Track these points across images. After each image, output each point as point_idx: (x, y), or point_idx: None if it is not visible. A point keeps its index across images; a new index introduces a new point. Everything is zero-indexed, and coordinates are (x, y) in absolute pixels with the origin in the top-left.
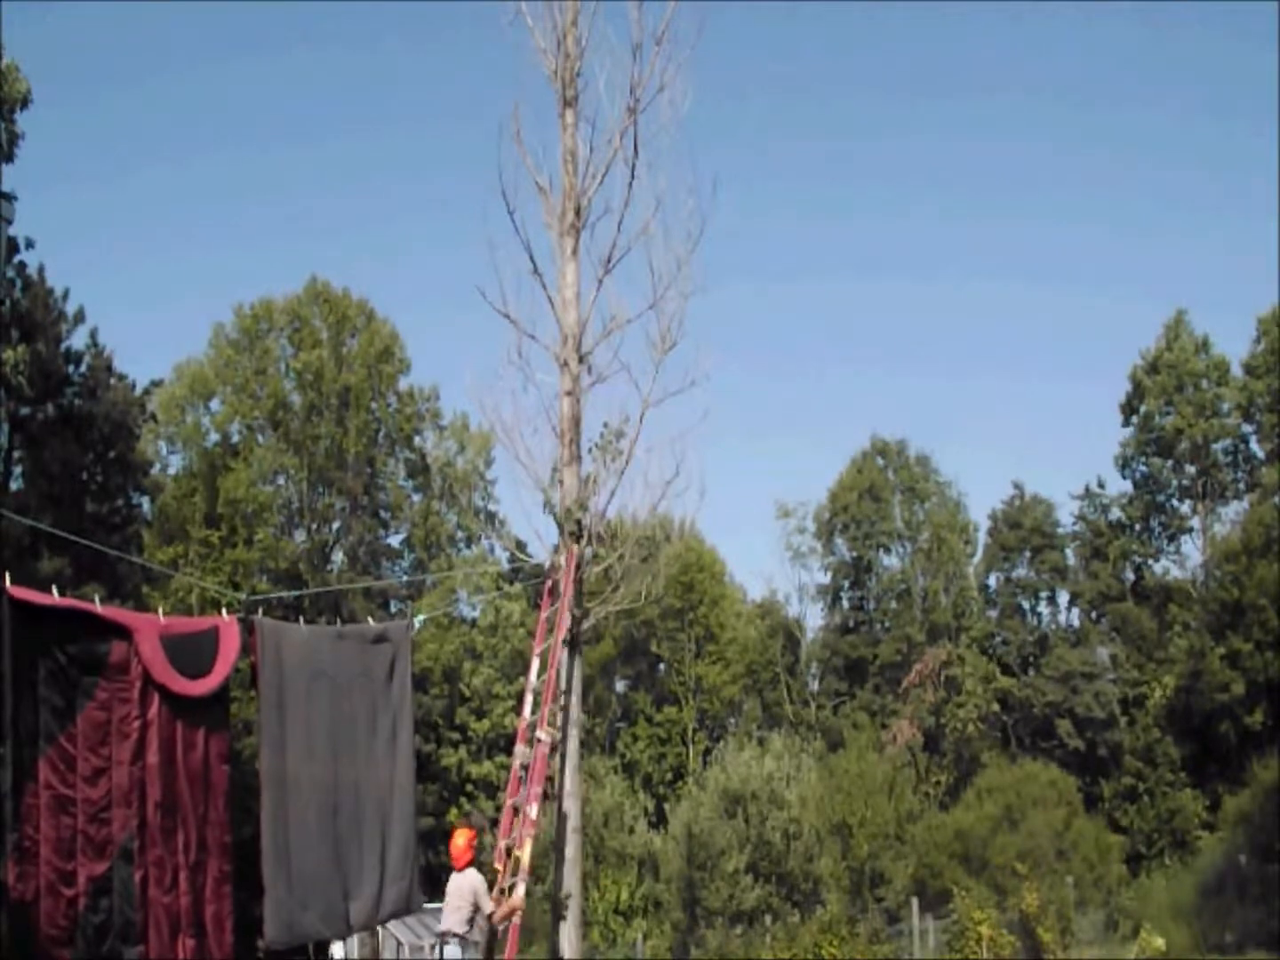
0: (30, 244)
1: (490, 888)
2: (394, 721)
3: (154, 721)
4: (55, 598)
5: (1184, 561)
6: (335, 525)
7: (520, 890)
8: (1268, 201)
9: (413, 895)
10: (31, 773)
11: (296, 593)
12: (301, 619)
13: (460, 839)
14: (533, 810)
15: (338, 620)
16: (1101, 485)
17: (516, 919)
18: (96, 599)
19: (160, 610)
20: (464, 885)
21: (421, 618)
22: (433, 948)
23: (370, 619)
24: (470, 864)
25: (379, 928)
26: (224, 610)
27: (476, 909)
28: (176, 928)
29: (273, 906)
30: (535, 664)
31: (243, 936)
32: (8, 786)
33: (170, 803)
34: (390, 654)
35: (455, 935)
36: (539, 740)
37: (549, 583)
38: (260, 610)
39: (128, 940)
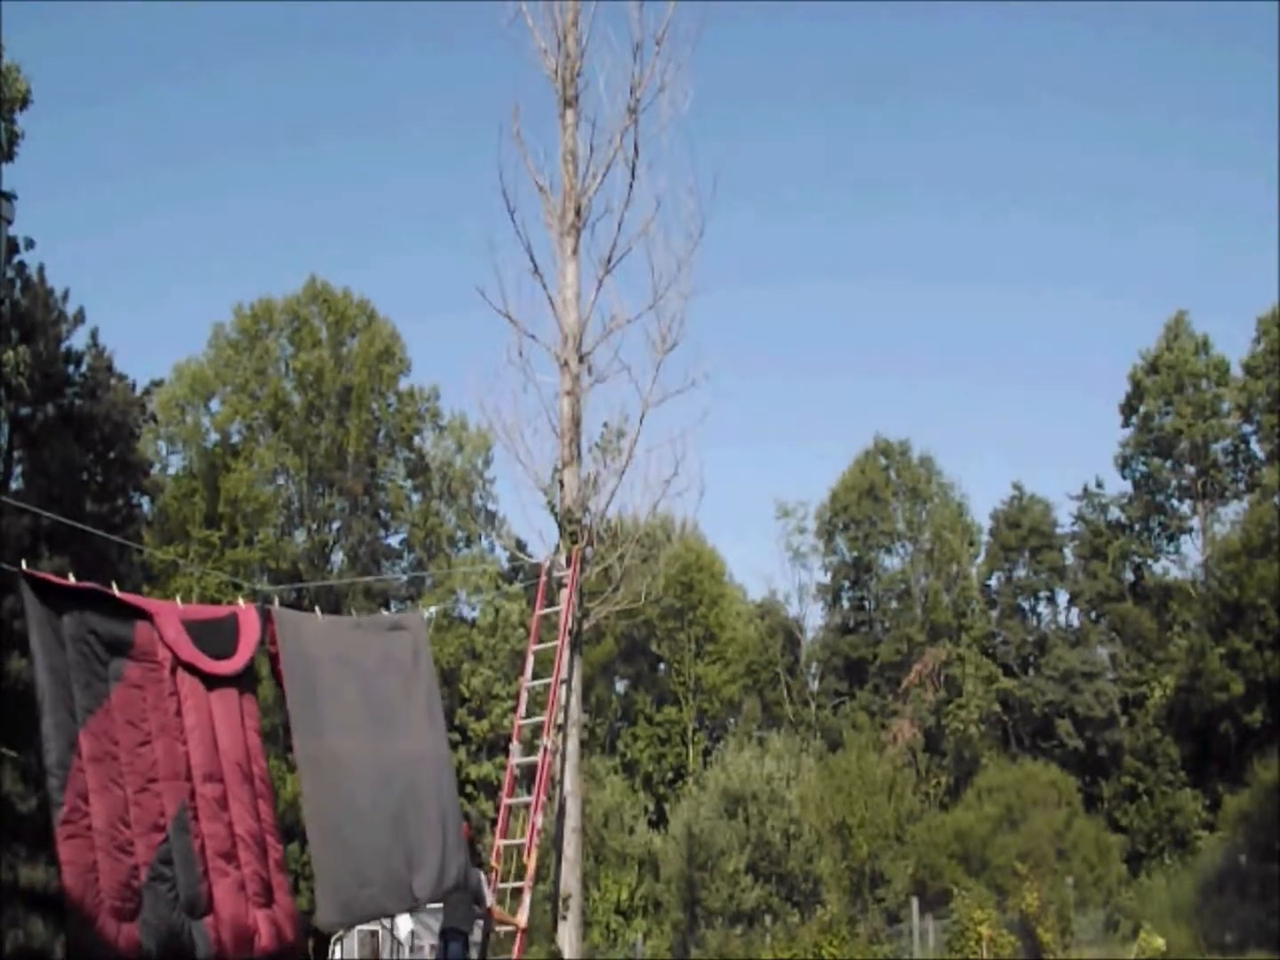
0: (30, 244)
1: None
2: (428, 700)
3: (189, 697)
4: (72, 581)
5: (1184, 561)
6: (335, 525)
7: (524, 912)
8: (1268, 201)
9: (471, 869)
10: (74, 746)
11: (298, 585)
12: (317, 610)
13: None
14: (539, 819)
15: None
16: (1100, 485)
17: (520, 932)
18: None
19: (178, 600)
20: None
21: (434, 609)
22: (434, 947)
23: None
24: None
25: (380, 927)
26: (240, 600)
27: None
28: (244, 897)
29: (327, 889)
30: (530, 661)
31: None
32: (54, 759)
33: (216, 776)
34: (411, 641)
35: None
36: (544, 749)
37: (543, 581)
38: (277, 601)
39: (194, 912)
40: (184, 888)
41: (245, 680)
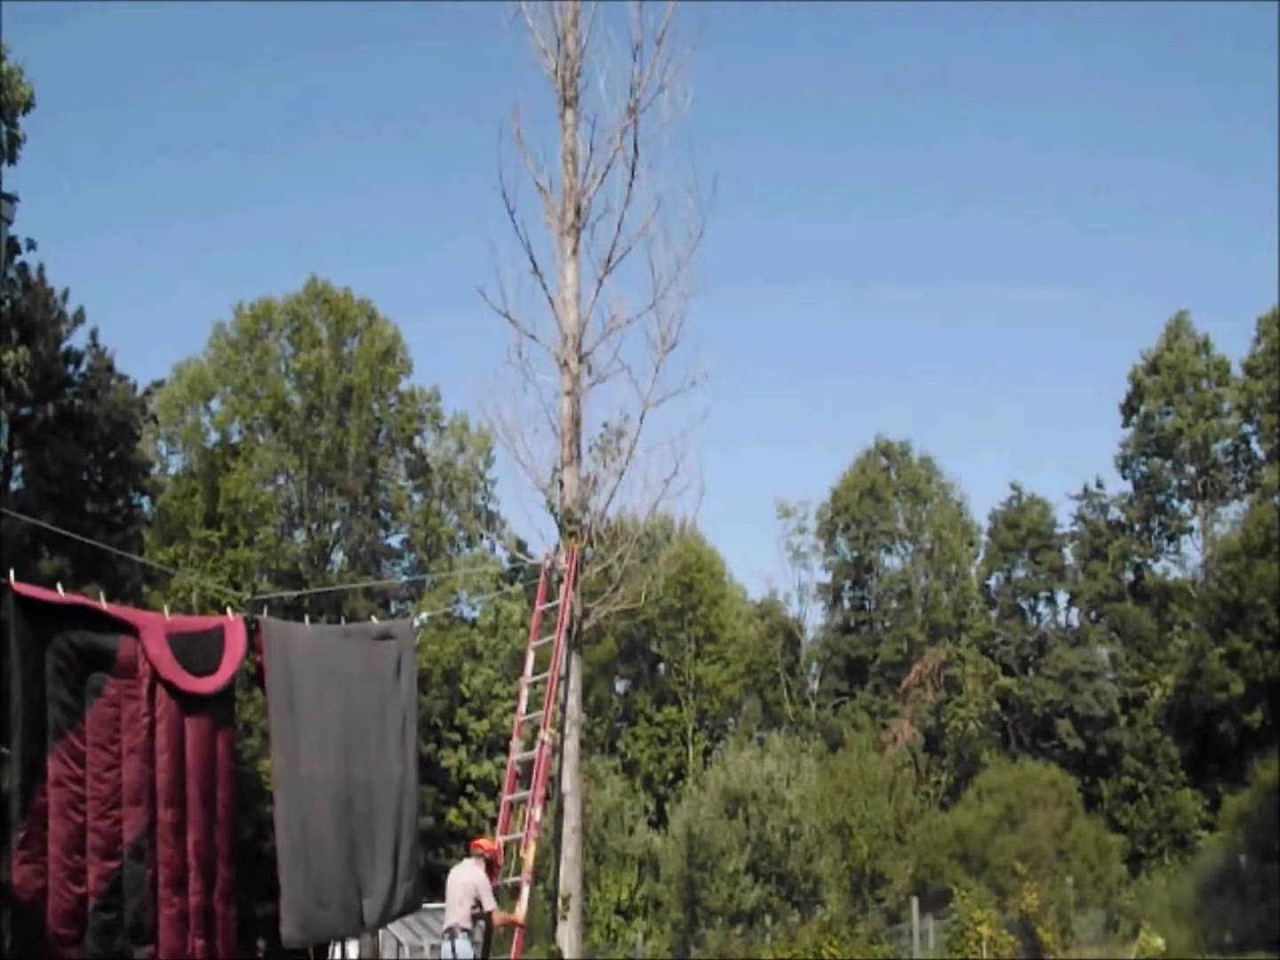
0: (32, 245)
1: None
2: (402, 718)
3: (162, 719)
4: (60, 594)
5: (1184, 561)
6: (335, 525)
7: (522, 908)
8: (1268, 201)
9: (418, 894)
10: (41, 769)
11: (297, 593)
12: (306, 619)
13: (487, 840)
14: (536, 813)
15: (340, 620)
16: (1100, 485)
17: (518, 929)
18: (101, 598)
19: (165, 609)
20: (467, 881)
21: (425, 615)
22: (434, 947)
23: (374, 618)
24: (485, 861)
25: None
26: (228, 610)
27: (478, 905)
28: (187, 928)
29: (289, 906)
30: (530, 659)
31: (240, 938)
32: (16, 783)
33: (179, 801)
34: (396, 651)
35: (464, 930)
36: (542, 741)
37: (543, 579)
38: (265, 609)
39: (138, 940)
40: (130, 916)
41: (225, 699)
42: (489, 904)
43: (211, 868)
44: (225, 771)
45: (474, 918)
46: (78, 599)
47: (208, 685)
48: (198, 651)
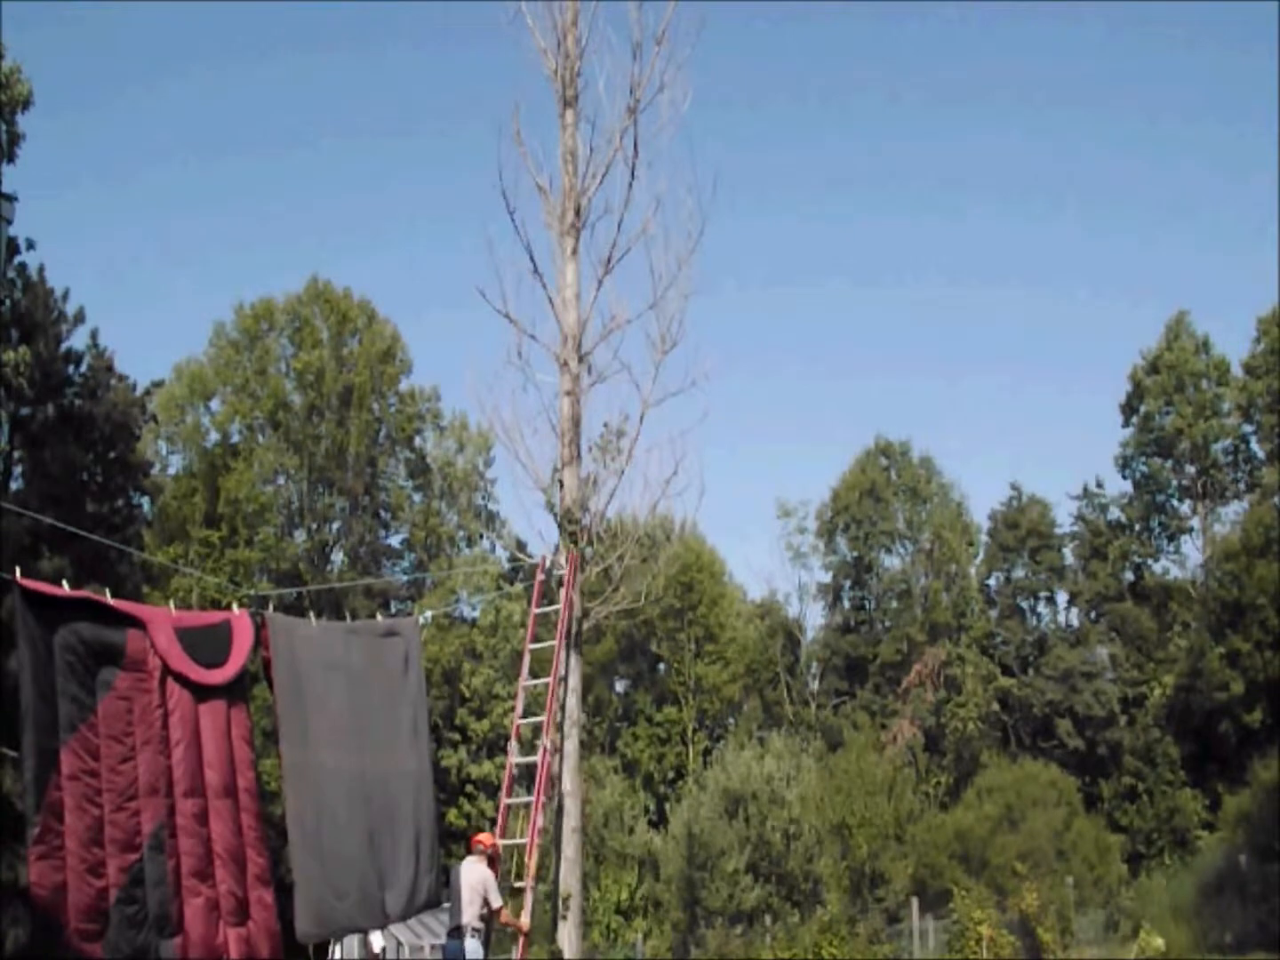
0: (31, 245)
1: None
2: (413, 714)
3: (176, 710)
4: (66, 589)
5: (1184, 561)
6: (336, 525)
7: (526, 914)
8: (1268, 201)
9: (439, 887)
10: (54, 763)
11: (297, 589)
12: (311, 616)
13: (487, 836)
14: (539, 818)
15: (342, 619)
16: (1100, 485)
17: (523, 932)
18: (107, 595)
19: (171, 606)
20: (474, 879)
21: (429, 614)
22: (434, 947)
23: (378, 616)
24: (486, 857)
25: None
26: (233, 606)
27: (487, 904)
28: (216, 917)
29: (304, 898)
30: (527, 662)
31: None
32: (30, 777)
33: (199, 790)
34: (403, 648)
35: (474, 929)
36: (544, 749)
37: (538, 581)
38: (270, 606)
39: (163, 932)
40: (153, 907)
41: (236, 689)
42: (496, 901)
43: (240, 855)
44: (245, 759)
45: (482, 917)
46: (83, 594)
47: (218, 677)
48: (206, 645)
